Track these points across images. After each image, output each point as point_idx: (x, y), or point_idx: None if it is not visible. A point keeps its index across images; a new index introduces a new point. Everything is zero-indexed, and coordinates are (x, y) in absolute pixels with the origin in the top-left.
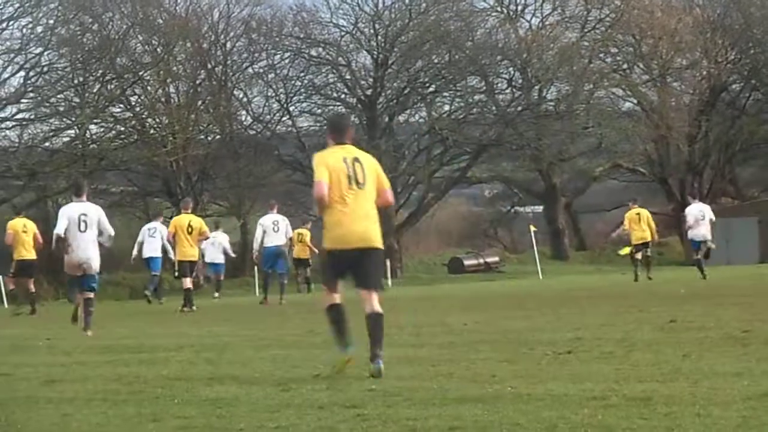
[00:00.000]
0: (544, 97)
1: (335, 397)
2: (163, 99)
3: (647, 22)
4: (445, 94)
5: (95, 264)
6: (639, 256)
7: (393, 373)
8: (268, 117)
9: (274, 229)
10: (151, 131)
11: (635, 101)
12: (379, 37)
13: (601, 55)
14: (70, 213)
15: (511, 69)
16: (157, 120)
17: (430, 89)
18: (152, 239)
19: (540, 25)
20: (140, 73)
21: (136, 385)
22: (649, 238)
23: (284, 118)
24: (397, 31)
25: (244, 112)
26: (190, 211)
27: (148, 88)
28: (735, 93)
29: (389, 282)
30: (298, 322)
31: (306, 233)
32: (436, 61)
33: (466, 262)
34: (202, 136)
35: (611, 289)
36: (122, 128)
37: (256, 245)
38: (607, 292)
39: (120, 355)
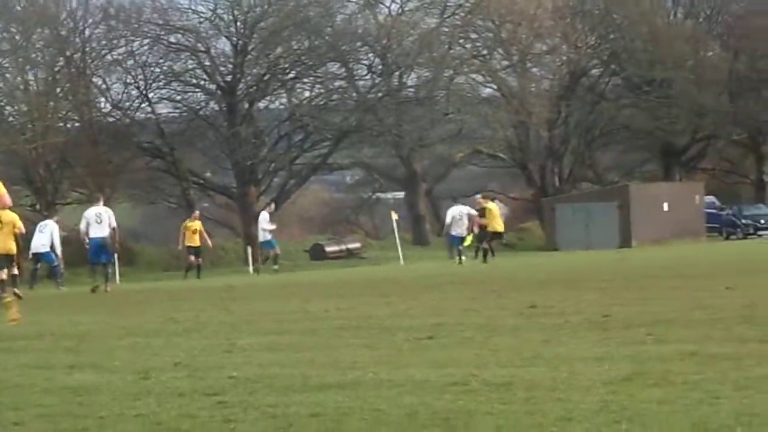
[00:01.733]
0: (405, 84)
1: (196, 385)
2: (21, 86)
3: (506, 7)
4: (306, 80)
5: None
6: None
7: (254, 360)
8: (128, 104)
9: (97, 221)
10: (10, 119)
11: (495, 87)
12: (238, 24)
13: (461, 41)
14: None
15: (371, 55)
16: (16, 107)
17: (291, 76)
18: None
19: (399, 11)
20: None
21: None
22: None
23: (143, 105)
24: (257, 17)
25: (103, 99)
26: None
27: (7, 75)
28: (595, 78)
29: (250, 269)
30: (159, 311)
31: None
32: (296, 47)
33: (328, 249)
34: (61, 124)
35: (472, 274)
36: None
37: (82, 236)
38: (468, 277)
39: None
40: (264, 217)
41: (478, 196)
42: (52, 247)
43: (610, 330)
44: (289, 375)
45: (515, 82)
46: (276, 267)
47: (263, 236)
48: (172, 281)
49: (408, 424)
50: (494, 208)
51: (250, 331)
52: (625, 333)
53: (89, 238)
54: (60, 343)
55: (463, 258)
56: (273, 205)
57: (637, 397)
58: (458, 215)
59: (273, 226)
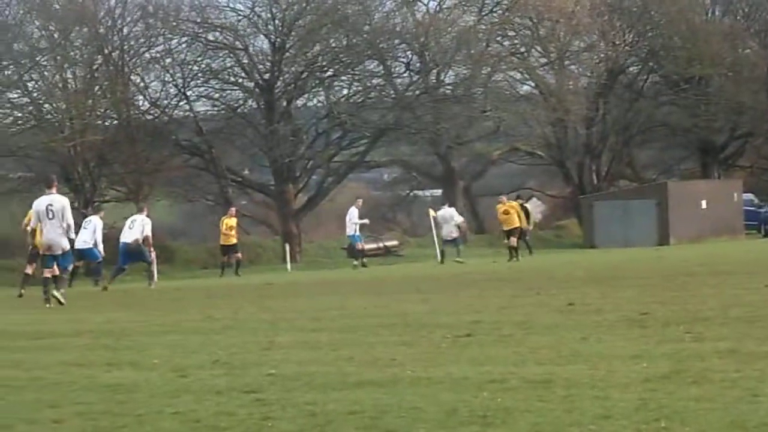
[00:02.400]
0: (442, 81)
1: (234, 383)
2: (60, 84)
3: (545, 5)
4: (343, 78)
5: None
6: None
7: (292, 358)
8: (166, 102)
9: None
10: (48, 117)
11: (533, 84)
12: (277, 21)
13: (499, 38)
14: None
15: (408, 53)
16: (55, 105)
17: (329, 73)
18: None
19: (437, 9)
20: (37, 59)
21: (35, 372)
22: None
23: (182, 103)
24: (295, 15)
25: (141, 97)
26: None
27: (45, 73)
28: (633, 76)
29: (288, 266)
30: (197, 308)
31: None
32: (334, 45)
33: (365, 246)
34: (100, 122)
35: (510, 272)
36: (19, 114)
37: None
38: (506, 275)
39: (18, 341)
40: (354, 212)
41: (503, 197)
42: (95, 243)
43: (649, 328)
44: (327, 372)
45: (553, 79)
46: (356, 263)
47: (351, 230)
48: (209, 279)
49: (446, 422)
50: (516, 206)
51: (288, 328)
52: (664, 331)
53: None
54: (99, 341)
55: (460, 258)
56: (360, 201)
57: (676, 395)
58: (447, 216)
59: (364, 221)
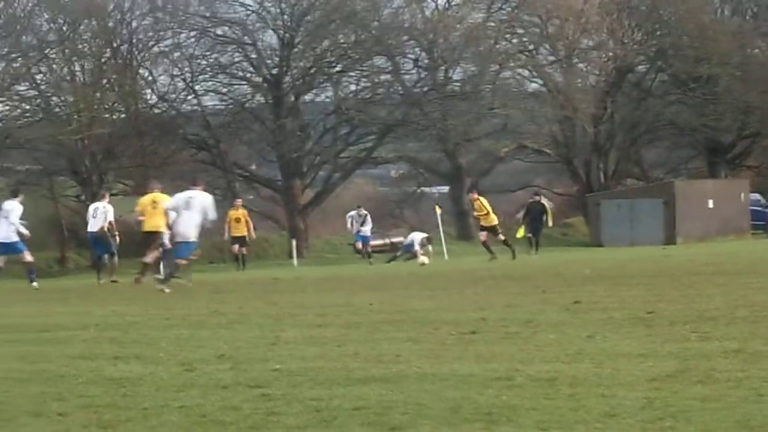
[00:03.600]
0: (450, 78)
1: (240, 377)
2: (68, 77)
3: (554, 2)
4: (352, 74)
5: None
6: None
7: (298, 353)
8: (174, 96)
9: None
10: (56, 109)
11: (541, 82)
12: (285, 16)
13: (507, 35)
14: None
15: (417, 49)
16: (63, 98)
17: (337, 69)
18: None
19: (446, 6)
20: (46, 51)
21: (40, 364)
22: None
23: (189, 97)
24: (304, 10)
25: (149, 91)
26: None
27: (54, 66)
28: (641, 74)
29: (295, 262)
30: (203, 302)
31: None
32: (342, 41)
33: (372, 242)
34: (107, 115)
35: (516, 269)
36: (27, 106)
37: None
38: (512, 272)
39: (24, 334)
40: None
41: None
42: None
43: (655, 326)
44: (333, 368)
45: (561, 77)
46: (371, 261)
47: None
48: (216, 273)
49: (451, 418)
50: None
51: (293, 323)
52: (670, 329)
53: None
54: (104, 334)
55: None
56: (363, 210)
57: (681, 394)
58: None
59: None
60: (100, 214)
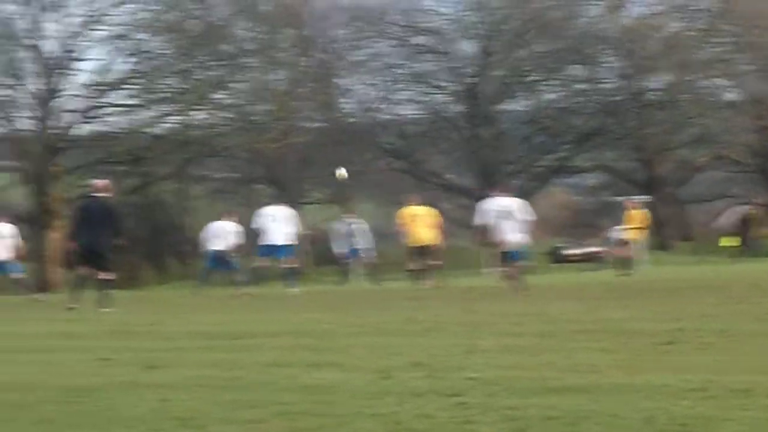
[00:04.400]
0: (648, 87)
1: (435, 385)
2: (267, 86)
3: (753, 11)
4: (547, 83)
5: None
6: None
7: (494, 362)
8: (370, 105)
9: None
10: (254, 118)
11: (739, 91)
12: (483, 26)
13: (705, 45)
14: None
15: (613, 58)
16: (261, 107)
17: (532, 78)
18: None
19: (643, 15)
20: (244, 60)
21: (234, 372)
22: None
23: (386, 106)
24: (500, 19)
25: (345, 100)
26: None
27: (252, 74)
28: None
29: (486, 270)
30: (398, 310)
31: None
32: (538, 50)
33: (568, 251)
34: (304, 124)
35: (713, 279)
36: (225, 115)
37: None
38: (709, 282)
39: (218, 341)
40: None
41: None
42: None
43: None
44: (528, 377)
45: (759, 86)
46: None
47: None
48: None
49: (644, 429)
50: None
51: (489, 332)
52: None
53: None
54: (299, 341)
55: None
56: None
57: None
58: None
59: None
60: (227, 233)
